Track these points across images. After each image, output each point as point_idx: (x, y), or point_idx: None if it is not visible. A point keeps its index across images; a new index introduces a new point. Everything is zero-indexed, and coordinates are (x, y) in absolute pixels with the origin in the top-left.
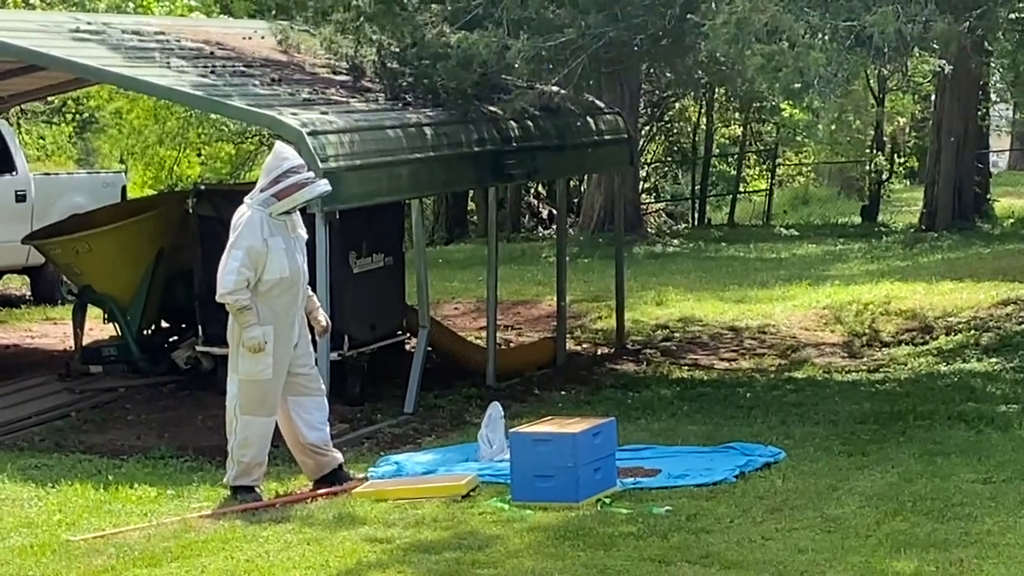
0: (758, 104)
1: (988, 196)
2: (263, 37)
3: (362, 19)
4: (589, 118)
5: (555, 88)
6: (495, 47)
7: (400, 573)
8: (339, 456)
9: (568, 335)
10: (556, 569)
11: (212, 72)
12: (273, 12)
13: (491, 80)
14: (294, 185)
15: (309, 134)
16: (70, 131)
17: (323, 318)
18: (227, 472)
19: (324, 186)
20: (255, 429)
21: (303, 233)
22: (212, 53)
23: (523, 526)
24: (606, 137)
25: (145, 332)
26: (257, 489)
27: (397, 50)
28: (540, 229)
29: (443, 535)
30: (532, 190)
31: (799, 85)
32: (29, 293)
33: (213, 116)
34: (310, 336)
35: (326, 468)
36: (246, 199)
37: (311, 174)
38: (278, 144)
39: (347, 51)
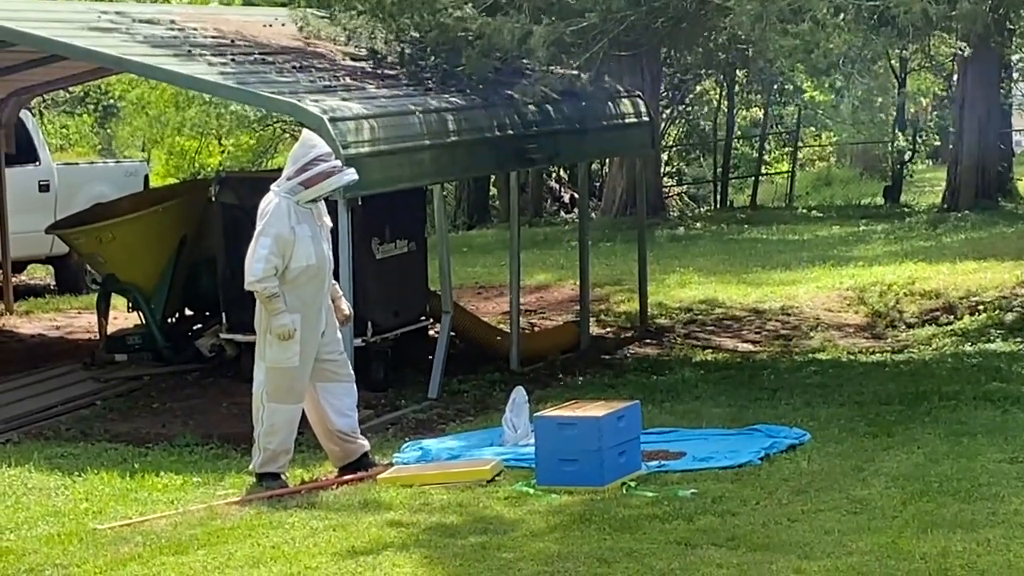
0: (779, 86)
1: (1011, 175)
2: (283, 25)
3: (383, 4)
4: (610, 102)
5: (576, 72)
6: (518, 32)
7: (426, 558)
8: (366, 444)
9: (591, 319)
10: (581, 553)
11: (233, 60)
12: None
13: (512, 65)
14: (322, 173)
15: (331, 120)
16: (92, 120)
17: (346, 307)
18: (253, 459)
19: (351, 175)
20: (282, 416)
21: (328, 221)
22: (232, 41)
23: (548, 510)
24: (627, 120)
25: (169, 320)
26: (283, 476)
27: (418, 35)
28: (562, 213)
29: (468, 520)
30: (554, 174)
31: (823, 66)
32: (53, 283)
33: (234, 104)
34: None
35: (352, 456)
36: (273, 187)
37: (338, 162)
38: (305, 132)
39: (368, 37)
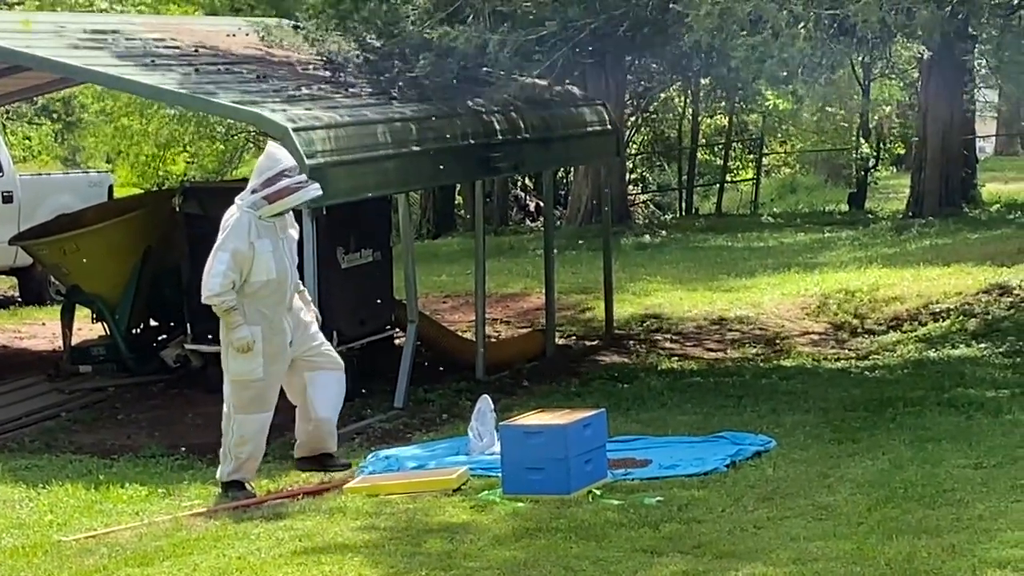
0: (743, 93)
1: (975, 182)
2: (247, 34)
3: (344, 11)
4: (574, 110)
5: (539, 81)
6: (476, 40)
7: (392, 567)
8: (335, 443)
9: (557, 327)
10: (547, 561)
11: (196, 70)
12: (255, 8)
13: (475, 74)
14: (286, 189)
15: (295, 130)
16: (55, 131)
17: (314, 314)
18: (220, 467)
19: (315, 190)
20: (251, 427)
21: (294, 233)
22: (196, 51)
23: (514, 518)
24: (592, 128)
25: (134, 331)
26: (248, 486)
27: (380, 44)
28: (527, 222)
29: (434, 528)
30: (519, 183)
31: (784, 74)
32: (17, 294)
33: (199, 114)
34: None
35: (318, 448)
36: (237, 199)
37: (303, 177)
38: (271, 145)
39: (331, 46)
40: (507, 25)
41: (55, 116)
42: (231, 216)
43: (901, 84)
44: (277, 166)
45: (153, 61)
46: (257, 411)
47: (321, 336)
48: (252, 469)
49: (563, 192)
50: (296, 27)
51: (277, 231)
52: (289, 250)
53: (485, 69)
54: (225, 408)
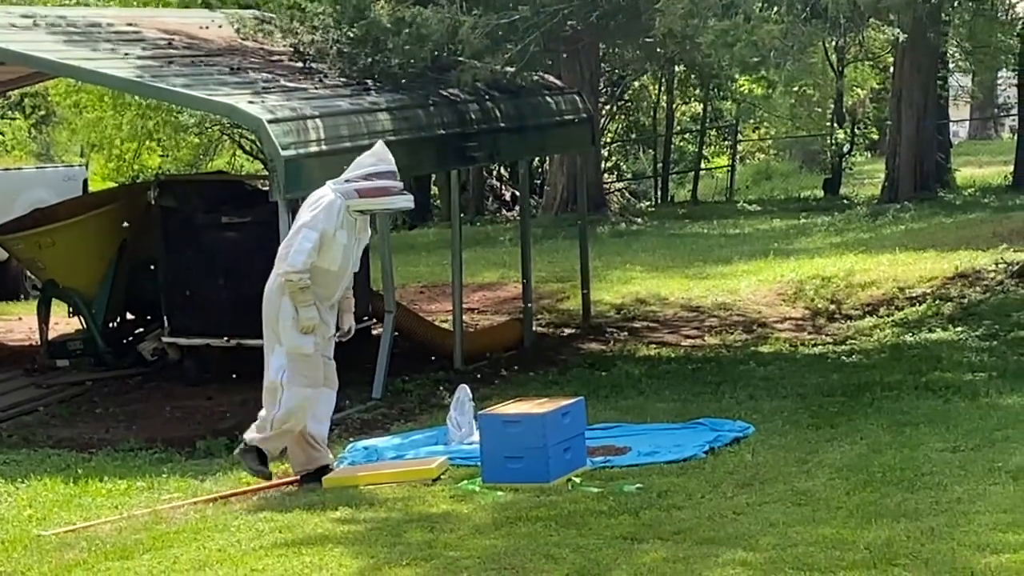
0: (717, 80)
1: (949, 166)
2: (220, 26)
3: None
4: (549, 98)
5: (511, 68)
6: (447, 23)
7: (372, 557)
8: (330, 457)
9: (534, 316)
10: (527, 549)
11: (170, 62)
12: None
13: (447, 62)
14: (380, 189)
15: (269, 122)
16: (28, 125)
17: (350, 323)
18: (252, 432)
19: (407, 201)
20: (299, 400)
21: (365, 238)
22: (170, 43)
23: (494, 507)
24: (566, 117)
25: (110, 325)
26: (267, 464)
27: (352, 34)
28: (503, 211)
29: (414, 518)
30: (495, 172)
31: (756, 59)
32: None
33: (173, 107)
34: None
35: (313, 464)
36: (330, 183)
37: (400, 184)
38: (380, 144)
39: (304, 37)
40: (479, 9)
41: (28, 111)
42: (323, 196)
43: (875, 69)
44: (379, 165)
45: (127, 54)
46: (307, 385)
47: (332, 351)
48: (279, 448)
49: (539, 181)
50: (264, 21)
51: (356, 229)
52: (356, 252)
53: (459, 57)
54: (274, 380)
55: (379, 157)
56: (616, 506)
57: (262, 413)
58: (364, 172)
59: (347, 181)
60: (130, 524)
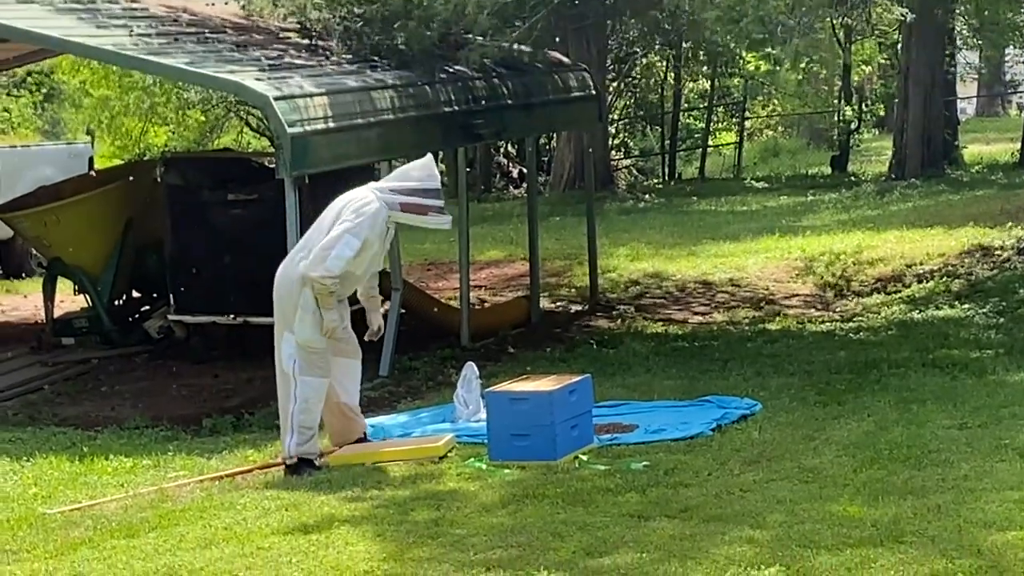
0: (724, 57)
1: (956, 143)
2: (226, 3)
3: None
4: (556, 76)
5: (519, 46)
6: (455, 3)
7: (379, 535)
8: (364, 424)
9: (541, 294)
10: (534, 527)
11: (176, 40)
12: None
13: (455, 40)
14: (422, 206)
15: (276, 99)
16: (35, 103)
17: (378, 322)
18: (285, 442)
19: (446, 223)
20: (313, 389)
21: (387, 245)
22: (176, 20)
23: (501, 485)
24: (574, 94)
25: (116, 303)
26: (317, 461)
27: (360, 11)
28: (511, 188)
29: (421, 496)
30: (502, 149)
31: (762, 36)
32: None
33: (179, 84)
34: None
35: (351, 436)
36: (374, 188)
37: (442, 203)
38: (429, 159)
39: (311, 14)
40: None
41: (34, 88)
42: (368, 203)
43: (882, 46)
44: (427, 182)
45: (132, 31)
46: (319, 374)
47: (348, 320)
48: (317, 444)
49: (546, 158)
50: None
51: (388, 237)
52: (381, 256)
53: (467, 35)
54: (286, 372)
55: (428, 173)
56: (623, 484)
57: (280, 410)
58: (411, 186)
59: (392, 191)
60: (136, 502)
